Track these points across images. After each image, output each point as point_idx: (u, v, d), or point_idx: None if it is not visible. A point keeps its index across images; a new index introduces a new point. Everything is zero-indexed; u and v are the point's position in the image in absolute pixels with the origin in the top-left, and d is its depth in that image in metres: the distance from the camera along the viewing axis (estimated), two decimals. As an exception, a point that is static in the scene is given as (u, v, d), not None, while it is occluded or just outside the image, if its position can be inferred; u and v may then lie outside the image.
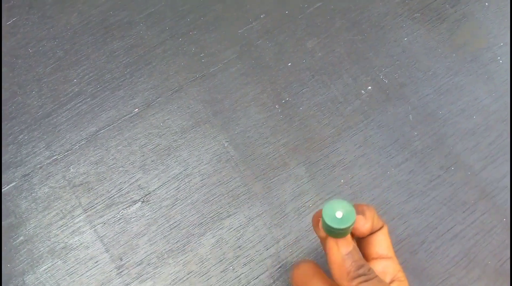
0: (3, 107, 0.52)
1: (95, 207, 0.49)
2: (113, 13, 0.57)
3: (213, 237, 0.48)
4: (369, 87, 0.55)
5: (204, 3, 0.58)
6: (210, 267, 0.47)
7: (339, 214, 0.31)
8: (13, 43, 0.54)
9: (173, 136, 0.52)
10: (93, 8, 0.57)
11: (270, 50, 0.56)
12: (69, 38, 0.55)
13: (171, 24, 0.57)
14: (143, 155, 0.51)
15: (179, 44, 0.56)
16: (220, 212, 0.49)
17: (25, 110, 0.52)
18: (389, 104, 0.55)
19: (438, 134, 0.54)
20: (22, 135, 0.51)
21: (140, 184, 0.50)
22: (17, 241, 0.47)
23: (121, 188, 0.50)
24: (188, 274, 0.47)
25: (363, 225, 0.36)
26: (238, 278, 0.47)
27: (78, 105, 0.52)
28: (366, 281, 0.32)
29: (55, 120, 0.52)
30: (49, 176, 0.49)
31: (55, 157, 0.50)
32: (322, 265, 0.39)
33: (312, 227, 0.48)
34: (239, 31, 0.57)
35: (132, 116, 0.52)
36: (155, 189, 0.50)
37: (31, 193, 0.49)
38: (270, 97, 0.54)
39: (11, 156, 0.50)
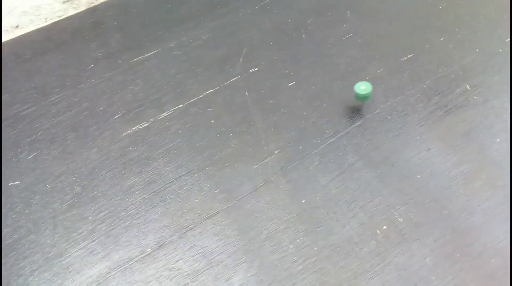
0: (17, 246, 0.53)
1: None
2: (132, 149, 0.60)
3: None
4: (384, 227, 0.56)
5: (221, 139, 0.61)
6: None
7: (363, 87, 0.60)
8: (32, 178, 0.57)
9: (184, 278, 0.52)
10: (113, 144, 0.60)
11: (284, 187, 0.58)
12: (87, 174, 0.57)
13: (188, 159, 0.59)
14: (154, 300, 0.50)
15: (195, 180, 0.58)
16: None
17: (37, 249, 0.53)
18: (405, 246, 0.55)
19: (456, 279, 0.53)
20: (32, 277, 0.51)
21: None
22: None
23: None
24: None
25: None
26: None
27: (91, 244, 0.53)
28: None
29: (67, 260, 0.52)
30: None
31: (63, 301, 0.50)
32: None
33: None
34: (254, 167, 0.60)
35: (144, 256, 0.53)
36: None
37: None
38: (285, 235, 0.55)
39: (19, 300, 0.50)
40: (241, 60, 0.71)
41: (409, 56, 0.71)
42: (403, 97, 0.67)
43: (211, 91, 0.67)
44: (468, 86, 0.68)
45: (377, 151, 0.62)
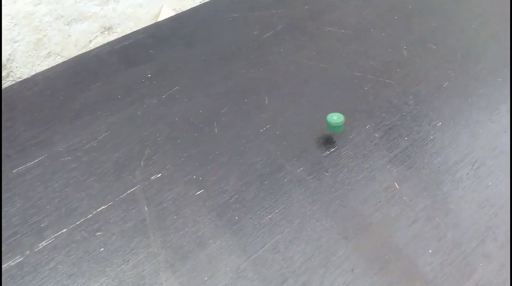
0: None
1: None
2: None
3: None
4: None
5: (109, 275, 0.53)
6: None
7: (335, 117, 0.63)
8: None
9: None
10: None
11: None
12: None
13: (66, 307, 0.51)
14: None
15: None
16: None
17: None
18: None
19: None
20: None
21: None
22: None
23: None
24: None
25: None
26: None
27: None
28: None
29: None
30: None
31: None
32: None
33: None
34: (148, 309, 0.52)
35: None
36: None
37: None
38: None
39: None
40: (142, 164, 0.64)
41: (332, 149, 0.67)
42: (324, 202, 0.61)
43: (102, 208, 0.59)
44: (396, 184, 0.64)
45: None
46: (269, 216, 0.60)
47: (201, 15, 0.84)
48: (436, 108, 0.72)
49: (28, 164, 0.63)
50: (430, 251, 0.58)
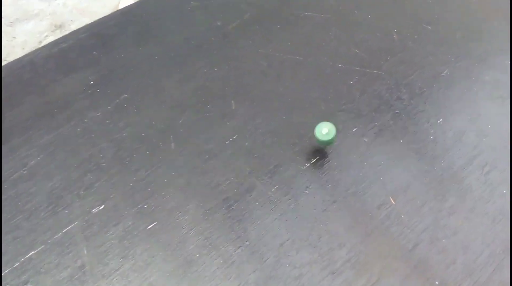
0: None
1: None
2: None
3: None
4: None
5: None
6: None
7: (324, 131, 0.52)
8: None
9: None
10: None
11: None
12: None
13: None
14: None
15: None
16: None
17: None
18: None
19: None
20: None
21: None
22: None
23: None
24: None
25: None
26: None
27: None
28: None
29: None
30: None
31: None
32: None
33: None
34: None
35: None
36: None
37: None
38: None
39: None
40: (81, 194, 0.53)
41: (313, 160, 0.56)
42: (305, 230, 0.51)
43: (32, 254, 0.49)
44: (392, 200, 0.53)
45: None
46: (237, 251, 0.50)
47: (153, 7, 0.72)
48: (435, 102, 0.62)
49: None
50: (436, 282, 0.48)
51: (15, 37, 0.95)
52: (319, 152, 0.57)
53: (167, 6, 0.73)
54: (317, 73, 0.65)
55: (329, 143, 0.53)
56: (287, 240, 0.50)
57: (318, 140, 0.53)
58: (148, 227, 0.51)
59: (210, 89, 0.63)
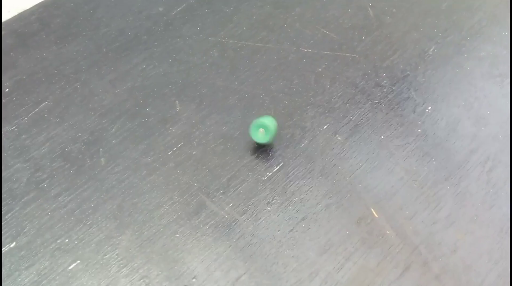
0: None
1: None
2: None
3: None
4: None
5: None
6: None
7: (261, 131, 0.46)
8: None
9: None
10: None
11: None
12: None
13: None
14: None
15: None
16: None
17: None
18: None
19: None
20: None
21: None
22: None
23: None
24: None
25: None
26: None
27: None
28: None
29: None
30: None
31: None
32: None
33: None
34: None
35: None
36: None
37: None
38: None
39: None
40: (-13, 231, 0.44)
41: (275, 168, 0.47)
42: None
43: None
44: (374, 212, 0.44)
45: None
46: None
47: (83, -5, 0.63)
48: (421, 86, 0.52)
49: None
50: (434, 315, 0.39)
51: None
52: (283, 158, 0.47)
53: (99, -6, 0.63)
54: (278, 62, 0.55)
55: (266, 140, 0.45)
56: (244, 274, 0.41)
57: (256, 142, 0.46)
58: (69, 268, 0.42)
59: (149, 89, 0.53)
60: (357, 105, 0.51)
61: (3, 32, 0.59)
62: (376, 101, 0.51)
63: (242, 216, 0.44)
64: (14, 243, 0.43)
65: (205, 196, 0.45)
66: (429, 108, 0.51)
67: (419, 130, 0.49)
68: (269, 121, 0.45)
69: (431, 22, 0.58)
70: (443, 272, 0.41)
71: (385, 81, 0.53)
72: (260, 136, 0.45)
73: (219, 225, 0.44)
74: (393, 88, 0.52)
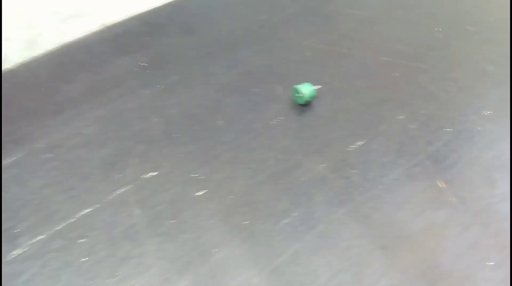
0: None
1: None
2: None
3: None
4: None
5: (90, 290, 0.48)
6: None
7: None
8: None
9: None
10: None
11: None
12: None
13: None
14: None
15: None
16: None
17: None
18: None
19: None
20: None
21: None
22: None
23: None
24: None
25: None
26: None
27: None
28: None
29: None
30: None
31: None
32: None
33: None
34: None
35: None
36: None
37: None
38: None
39: None
40: (133, 161, 0.59)
41: (359, 143, 0.61)
42: (353, 204, 0.55)
43: (87, 212, 0.54)
44: (439, 183, 0.58)
45: None
46: (285, 221, 0.54)
47: (199, 0, 0.81)
48: (482, 96, 0.67)
49: (4, 162, 0.58)
50: (489, 263, 0.51)
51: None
52: (365, 136, 0.62)
53: (211, 0, 0.81)
54: (361, 65, 0.71)
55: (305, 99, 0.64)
56: (334, 214, 0.55)
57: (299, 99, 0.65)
58: (197, 194, 0.56)
59: (255, 75, 0.69)
60: (427, 103, 0.66)
61: (136, 22, 0.77)
62: (444, 102, 0.66)
63: (332, 174, 0.58)
64: (156, 172, 0.58)
65: (302, 156, 0.60)
66: (489, 112, 0.65)
67: (479, 128, 0.63)
68: (304, 87, 0.64)
69: (489, 48, 0.74)
70: (500, 231, 0.54)
71: (451, 88, 0.68)
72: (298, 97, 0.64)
73: (314, 178, 0.58)
74: (459, 94, 0.67)
